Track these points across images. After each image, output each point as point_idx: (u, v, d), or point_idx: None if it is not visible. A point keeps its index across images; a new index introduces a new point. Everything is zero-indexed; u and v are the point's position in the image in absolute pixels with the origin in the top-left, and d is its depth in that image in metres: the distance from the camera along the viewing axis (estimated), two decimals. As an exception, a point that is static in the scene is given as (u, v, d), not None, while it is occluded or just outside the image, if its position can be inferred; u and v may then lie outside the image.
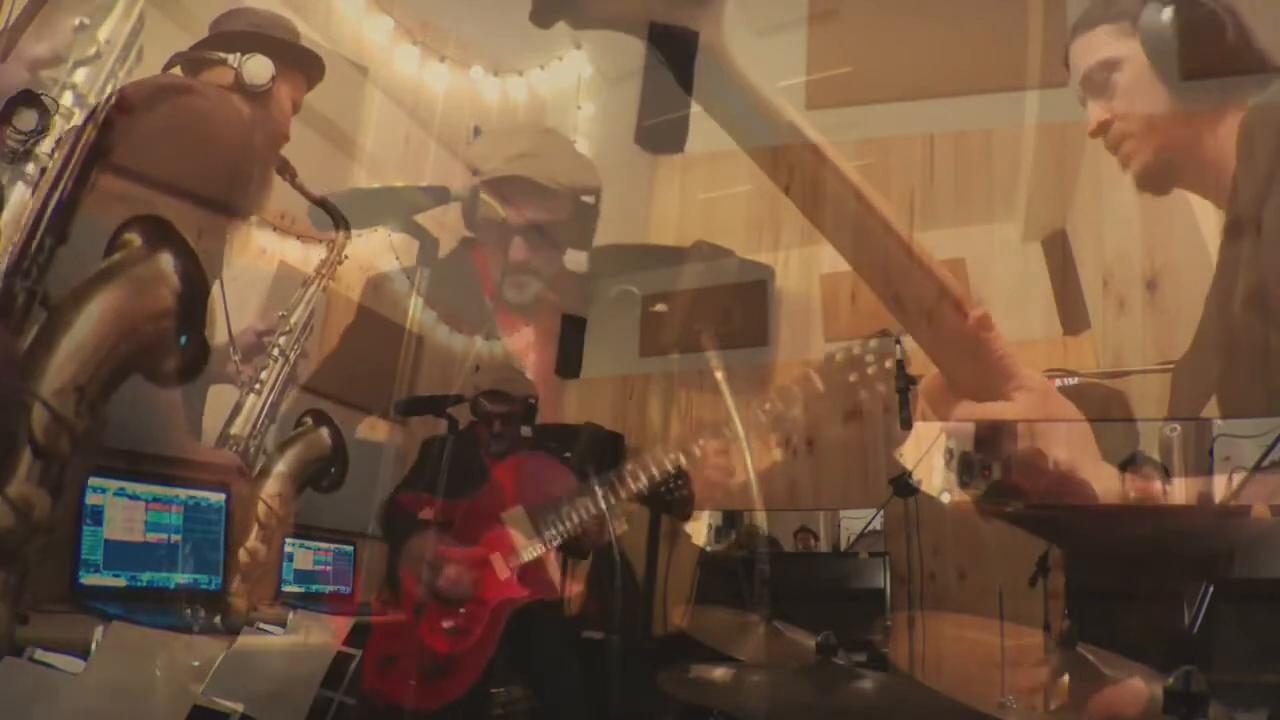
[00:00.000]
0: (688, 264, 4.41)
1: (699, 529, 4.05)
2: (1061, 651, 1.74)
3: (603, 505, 2.87)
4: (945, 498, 3.49)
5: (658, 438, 4.26)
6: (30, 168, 1.45)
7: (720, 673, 1.86)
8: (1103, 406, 2.92)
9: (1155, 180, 2.76)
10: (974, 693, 1.64)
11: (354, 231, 3.00)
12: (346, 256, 2.83)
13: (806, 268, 4.24)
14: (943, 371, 2.77)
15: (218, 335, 2.61)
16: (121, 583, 2.11)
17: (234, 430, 2.58)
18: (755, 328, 4.23)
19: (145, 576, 2.17)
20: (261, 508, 2.48)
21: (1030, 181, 3.57)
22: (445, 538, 3.01)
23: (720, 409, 4.05)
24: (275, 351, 2.66)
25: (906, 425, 2.92)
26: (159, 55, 2.46)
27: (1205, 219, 2.89)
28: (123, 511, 2.13)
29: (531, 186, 4.03)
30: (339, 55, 3.51)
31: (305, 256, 3.23)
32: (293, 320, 2.72)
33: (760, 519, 3.97)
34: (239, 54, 2.52)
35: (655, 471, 3.06)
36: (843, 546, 3.94)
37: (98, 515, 2.07)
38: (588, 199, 4.18)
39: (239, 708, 1.86)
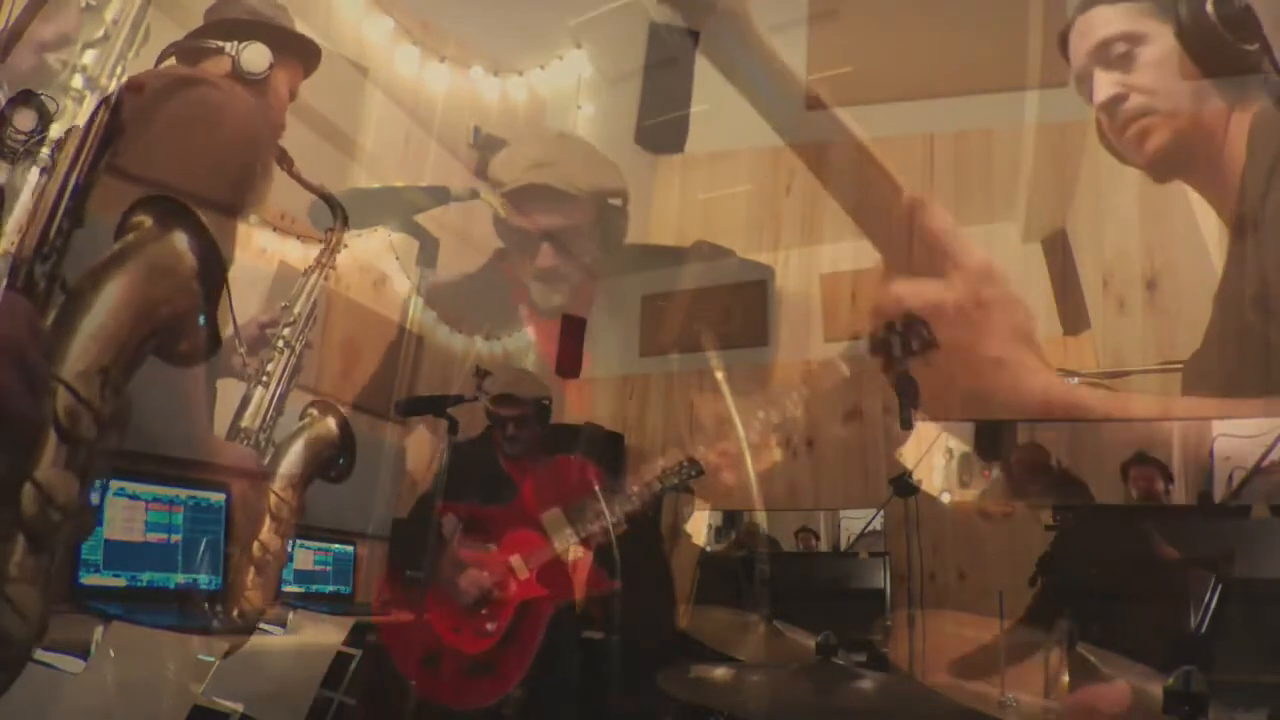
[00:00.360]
0: (688, 264, 4.42)
1: (699, 529, 4.06)
2: (1061, 651, 1.74)
3: (608, 514, 2.89)
4: (945, 498, 3.49)
5: (658, 438, 4.27)
6: (43, 153, 1.44)
7: (720, 673, 1.86)
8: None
9: (1165, 164, 2.72)
10: (973, 692, 1.64)
11: (354, 231, 2.99)
12: (346, 245, 2.81)
13: (806, 268, 4.24)
14: (884, 256, 2.74)
15: (223, 323, 2.60)
16: (121, 583, 2.11)
17: (244, 423, 2.57)
18: (755, 328, 4.23)
19: (145, 576, 2.17)
20: (273, 500, 2.47)
21: (1030, 181, 3.57)
22: (467, 542, 3.06)
23: (721, 409, 4.05)
24: (280, 343, 2.64)
25: (906, 425, 2.92)
26: (163, 38, 2.45)
27: (1205, 219, 2.89)
28: (123, 511, 2.13)
29: (551, 193, 4.04)
30: (339, 55, 3.51)
31: (305, 256, 3.23)
32: (296, 311, 2.70)
33: (760, 519, 3.97)
34: (235, 42, 2.50)
35: (670, 465, 3.10)
36: (843, 546, 3.95)
37: (98, 515, 2.07)
38: (614, 201, 4.20)
39: (239, 708, 1.86)
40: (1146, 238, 3.20)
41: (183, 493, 2.28)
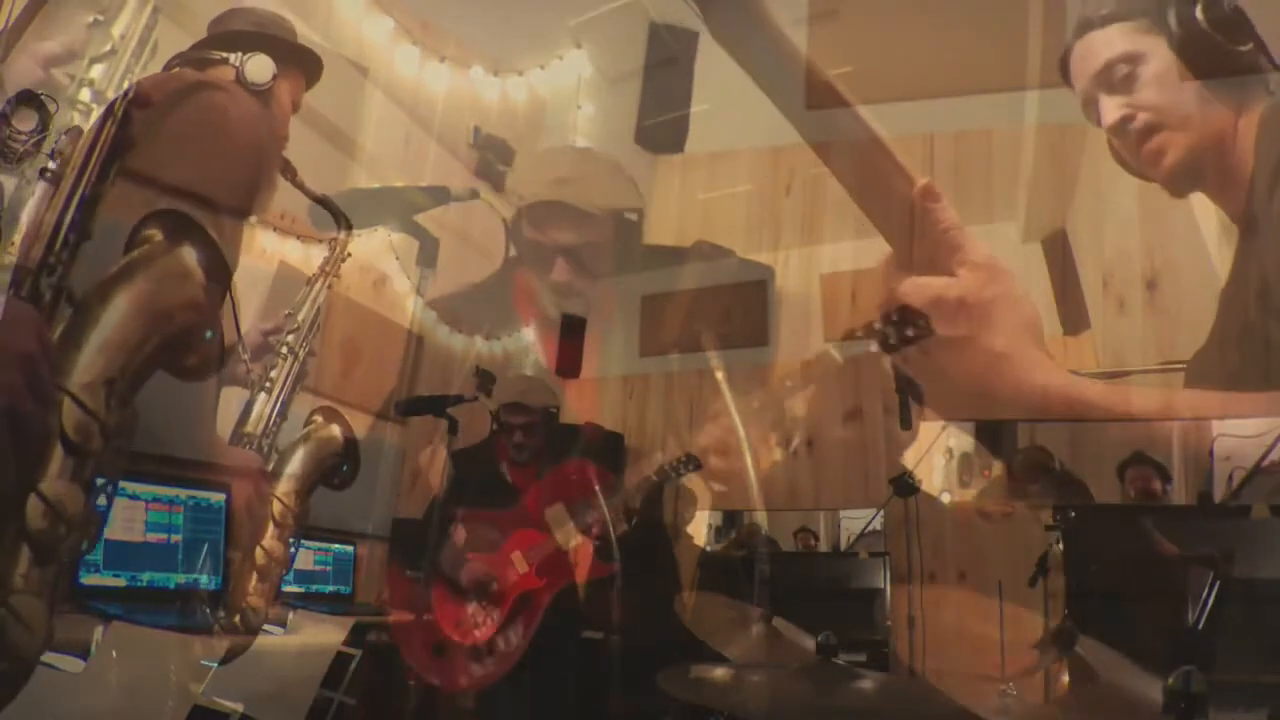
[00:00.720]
0: (688, 264, 4.41)
1: (699, 529, 4.06)
2: (1061, 651, 1.74)
3: (607, 514, 2.91)
4: (945, 498, 3.49)
5: (658, 438, 4.27)
6: (43, 154, 1.45)
7: (720, 673, 1.86)
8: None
9: (1183, 179, 2.73)
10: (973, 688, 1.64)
11: (355, 231, 3.00)
12: (350, 254, 2.83)
13: (806, 268, 4.24)
14: (893, 247, 2.74)
15: (228, 334, 2.61)
16: (121, 583, 2.10)
17: (247, 429, 2.58)
18: (755, 328, 4.23)
19: (145, 576, 2.17)
20: (276, 506, 2.47)
21: (1030, 181, 3.57)
22: (471, 542, 3.10)
23: (721, 409, 4.05)
24: (284, 350, 2.66)
25: (906, 425, 2.92)
26: (171, 50, 2.46)
27: (1205, 219, 2.89)
28: (123, 511, 2.13)
29: (571, 211, 4.05)
30: (339, 55, 3.51)
31: (305, 256, 3.24)
32: (300, 318, 2.71)
33: (760, 519, 3.97)
34: (239, 53, 2.51)
35: (671, 462, 3.16)
36: (843, 546, 3.94)
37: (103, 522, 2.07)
38: (631, 216, 4.21)
39: (239, 708, 1.86)
40: (1146, 238, 3.20)
41: (183, 493, 2.28)
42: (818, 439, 3.97)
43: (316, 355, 2.82)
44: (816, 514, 4.08)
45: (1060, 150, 3.40)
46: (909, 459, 3.41)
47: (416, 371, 3.92)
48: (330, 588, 3.15)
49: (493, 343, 4.22)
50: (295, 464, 2.58)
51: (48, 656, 1.49)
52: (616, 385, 4.44)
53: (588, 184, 4.12)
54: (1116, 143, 2.84)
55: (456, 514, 3.07)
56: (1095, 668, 1.68)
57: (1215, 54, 2.53)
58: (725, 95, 4.22)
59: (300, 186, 2.71)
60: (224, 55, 2.50)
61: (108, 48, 1.68)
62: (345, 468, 2.68)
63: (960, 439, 3.40)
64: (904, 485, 3.33)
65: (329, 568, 3.16)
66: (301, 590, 2.99)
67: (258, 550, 2.38)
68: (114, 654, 1.66)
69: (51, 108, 1.54)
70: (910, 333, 2.59)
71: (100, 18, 1.67)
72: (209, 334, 1.44)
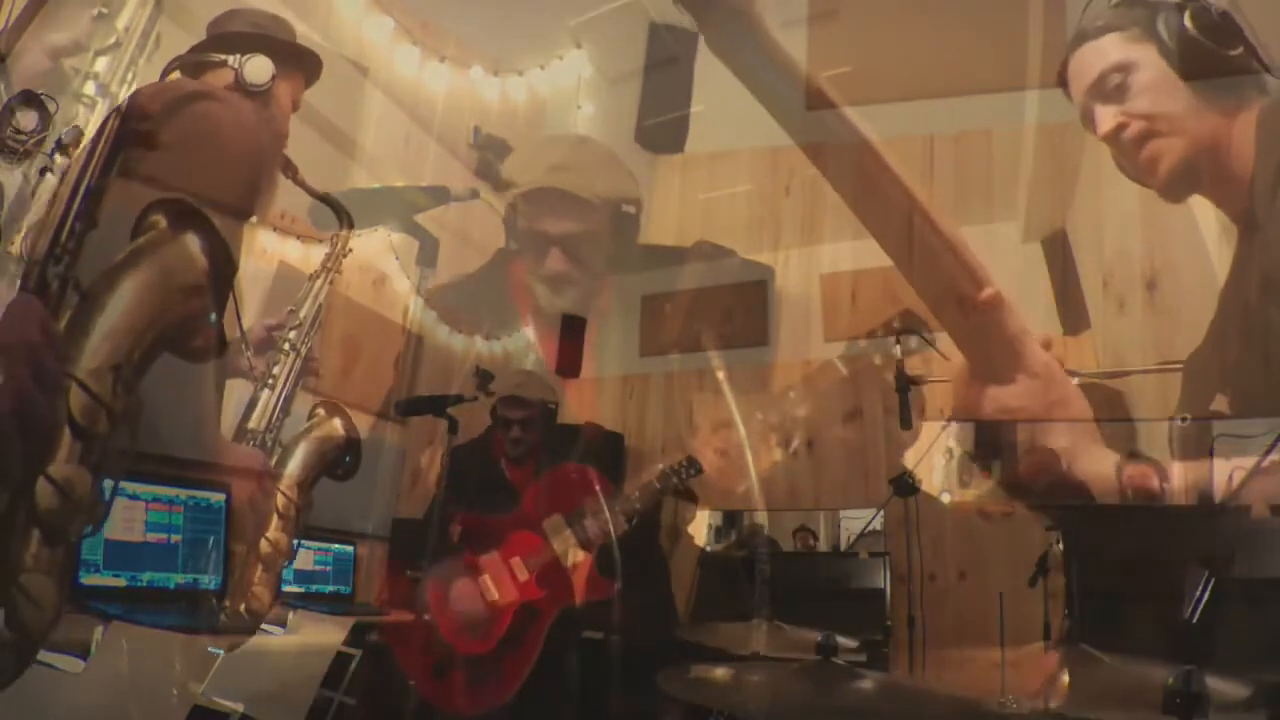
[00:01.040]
0: (688, 264, 4.41)
1: (699, 529, 4.06)
2: (1061, 651, 1.74)
3: (608, 515, 2.88)
4: (945, 498, 3.49)
5: (658, 438, 4.27)
6: (43, 153, 1.46)
7: (720, 673, 1.86)
8: (1103, 407, 2.93)
9: (1179, 184, 2.75)
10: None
11: (354, 232, 3.00)
12: (351, 250, 2.84)
13: (806, 268, 4.24)
14: (963, 353, 2.79)
15: (230, 330, 2.62)
16: (121, 583, 2.10)
17: (251, 425, 2.60)
18: (755, 328, 4.23)
19: (145, 576, 2.16)
20: (280, 499, 2.49)
21: (1030, 181, 3.57)
22: (469, 547, 3.05)
23: (721, 409, 4.05)
24: (286, 346, 2.68)
25: (906, 425, 2.93)
26: (172, 47, 2.47)
27: (1205, 219, 2.89)
28: (123, 511, 2.13)
29: (568, 198, 4.01)
30: (339, 55, 3.51)
31: (305, 256, 3.24)
32: (302, 314, 2.73)
33: (761, 519, 3.97)
34: (238, 55, 2.52)
35: (672, 466, 3.11)
36: (843, 546, 3.95)
37: (108, 508, 2.07)
38: (628, 209, 4.16)
39: (239, 708, 1.86)
40: (1146, 238, 3.20)
41: (183, 493, 2.28)
42: (818, 439, 3.97)
43: (317, 357, 2.82)
44: (815, 514, 4.08)
45: (1060, 150, 3.41)
46: (909, 459, 3.41)
47: (416, 371, 3.92)
48: (330, 588, 3.15)
49: (492, 342, 4.22)
50: (298, 457, 2.61)
51: (48, 656, 1.50)
52: (616, 385, 4.44)
53: (585, 171, 4.08)
54: (1114, 152, 2.86)
55: (454, 513, 3.02)
56: (1095, 668, 1.68)
57: (1205, 60, 2.56)
58: (725, 95, 4.21)
59: (302, 185, 2.73)
60: (222, 58, 2.51)
61: (112, 40, 1.69)
62: (348, 458, 2.71)
63: (960, 439, 3.40)
64: (904, 485, 3.33)
65: (329, 568, 3.16)
66: (301, 590, 2.99)
67: (262, 542, 2.40)
68: (114, 654, 1.66)
69: (52, 107, 1.55)
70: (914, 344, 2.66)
71: (104, 10, 1.68)
72: (213, 317, 1.46)
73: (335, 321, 3.52)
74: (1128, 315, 3.25)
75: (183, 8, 2.72)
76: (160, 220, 1.43)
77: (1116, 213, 3.25)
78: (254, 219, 3.02)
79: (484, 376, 3.20)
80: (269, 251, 3.27)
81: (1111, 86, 2.73)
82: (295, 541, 2.87)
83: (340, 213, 2.80)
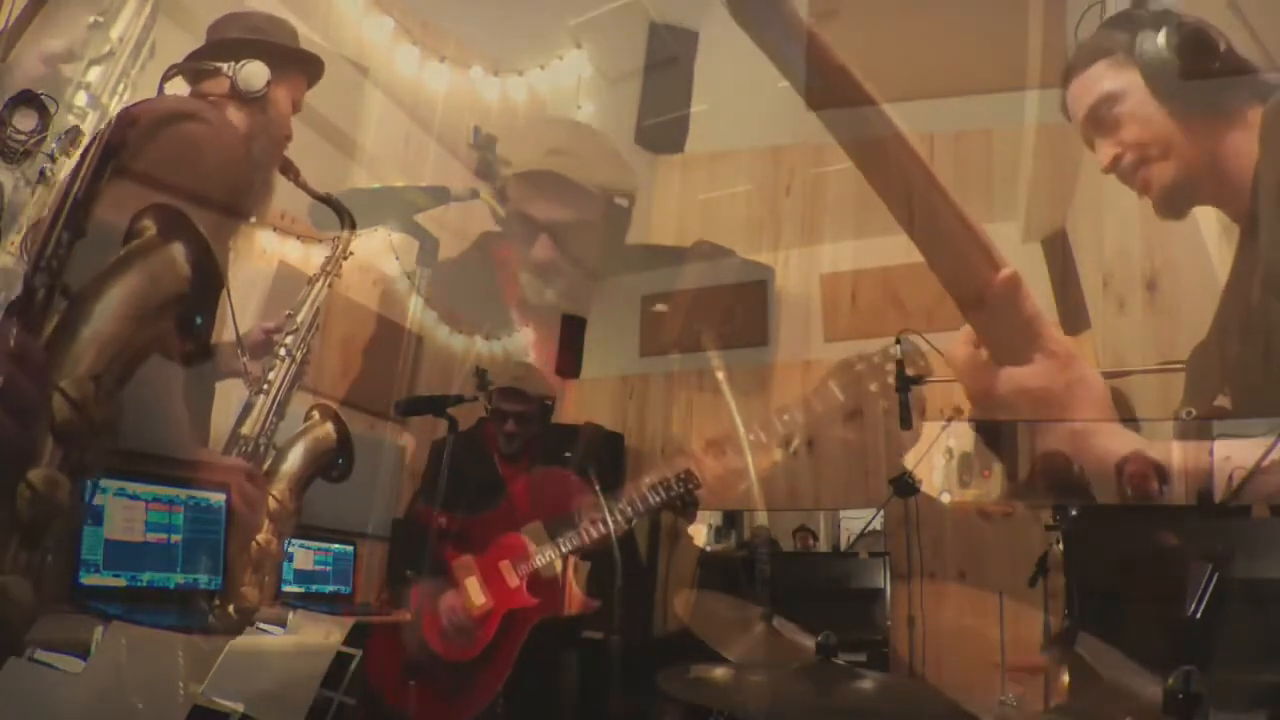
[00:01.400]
0: (688, 264, 4.41)
1: (699, 529, 4.06)
2: (1061, 651, 1.74)
3: (610, 518, 2.81)
4: (945, 498, 3.49)
5: (658, 438, 4.27)
6: (47, 169, 1.47)
7: (720, 673, 1.86)
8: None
9: (1177, 201, 2.76)
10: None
11: (357, 230, 3.00)
12: (352, 253, 2.84)
13: (806, 268, 4.24)
14: (977, 334, 2.78)
15: (226, 335, 2.63)
16: (121, 583, 2.10)
17: (245, 430, 2.60)
18: (755, 328, 4.23)
19: (145, 576, 2.16)
20: (271, 502, 2.49)
21: (1030, 181, 3.57)
22: (457, 547, 2.97)
23: (721, 409, 4.05)
24: (282, 351, 2.68)
25: (906, 425, 2.93)
26: (169, 52, 2.47)
27: (1206, 219, 2.89)
28: (123, 511, 2.13)
29: (565, 184, 3.90)
30: (339, 55, 3.51)
31: (305, 256, 3.24)
32: (299, 319, 2.73)
33: (761, 519, 3.97)
34: (233, 62, 2.53)
35: (668, 476, 2.99)
36: (843, 546, 3.95)
37: (98, 515, 2.07)
38: (621, 201, 4.07)
39: (239, 708, 1.86)
40: (1146, 238, 3.20)
41: (183, 492, 2.28)
42: (818, 439, 3.97)
43: (310, 363, 2.82)
44: (816, 514, 4.08)
45: (1060, 150, 3.40)
46: (909, 459, 3.41)
47: (416, 371, 3.92)
48: (330, 588, 3.14)
49: (492, 342, 4.21)
50: (292, 460, 2.62)
51: (48, 656, 1.50)
52: (616, 385, 4.44)
53: (584, 158, 3.98)
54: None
55: (440, 511, 2.91)
56: (1095, 668, 1.68)
57: (1187, 74, 2.57)
58: (725, 95, 4.22)
59: (304, 187, 2.73)
60: (218, 65, 2.52)
61: (106, 49, 1.69)
62: (340, 461, 2.71)
63: (960, 439, 3.40)
64: (904, 485, 3.33)
65: (329, 568, 3.16)
66: (301, 590, 2.99)
67: (253, 545, 2.40)
68: (114, 654, 1.66)
69: (52, 108, 1.55)
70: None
71: (100, 19, 1.68)
72: (198, 320, 1.47)
73: (335, 322, 3.52)
74: (1128, 315, 3.25)
75: (183, 8, 2.72)
76: (150, 226, 1.45)
77: (1116, 213, 3.25)
78: (252, 219, 3.03)
79: (484, 376, 3.17)
80: (269, 252, 3.26)
81: (1103, 119, 2.75)
82: (287, 542, 2.88)
83: (342, 214, 2.81)
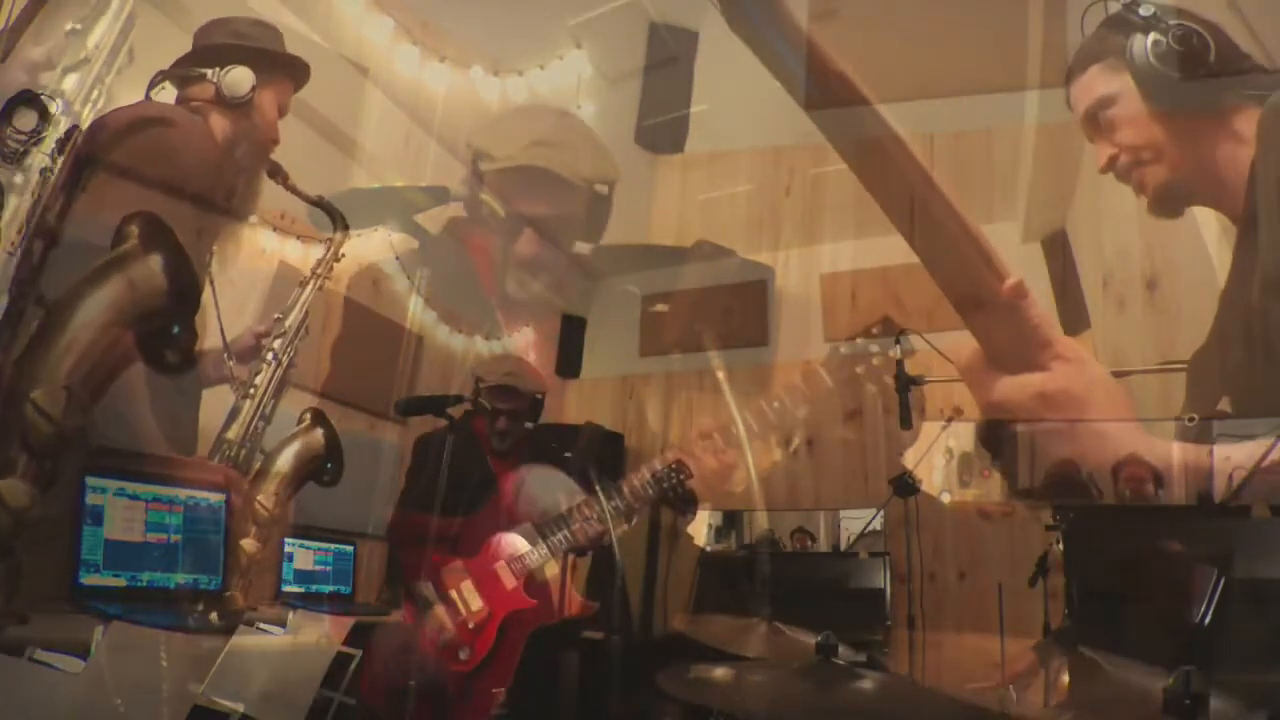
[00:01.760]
0: (688, 264, 4.41)
1: (699, 529, 4.06)
2: (1061, 651, 1.74)
3: (608, 514, 2.77)
4: (945, 498, 3.49)
5: (658, 438, 4.27)
6: (30, 174, 1.47)
7: (720, 673, 1.86)
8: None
9: (1171, 201, 2.78)
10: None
11: (354, 231, 3.00)
12: (344, 255, 2.83)
13: (806, 268, 4.24)
14: (981, 344, 2.77)
15: (212, 340, 2.63)
16: (121, 583, 2.11)
17: (230, 435, 2.60)
18: (755, 328, 4.23)
19: (145, 576, 2.17)
20: (257, 507, 2.49)
21: (1030, 181, 3.57)
22: (447, 551, 2.89)
23: (721, 409, 4.05)
24: (269, 356, 2.68)
25: (906, 425, 2.93)
26: (150, 54, 2.46)
27: (1205, 219, 2.89)
28: (123, 511, 2.13)
29: (550, 179, 3.76)
30: (339, 55, 3.51)
31: (305, 256, 3.23)
32: (288, 322, 2.73)
33: (761, 519, 3.97)
34: (218, 68, 2.54)
35: (658, 468, 2.96)
36: (843, 546, 3.95)
37: (98, 515, 2.07)
38: (601, 189, 3.93)
39: (239, 708, 1.86)
40: (1146, 238, 3.20)
41: (183, 493, 2.29)
42: (818, 439, 3.97)
43: (298, 365, 2.82)
44: (814, 514, 4.08)
45: (1060, 150, 3.40)
46: (909, 459, 3.41)
47: (416, 371, 3.92)
48: (330, 588, 3.15)
49: (492, 343, 4.21)
50: (280, 464, 2.61)
51: (48, 656, 1.50)
52: (616, 385, 4.44)
53: (570, 150, 3.81)
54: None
55: (427, 510, 2.80)
56: (1095, 668, 1.68)
57: (1177, 77, 2.58)
58: (725, 95, 4.22)
59: (293, 190, 2.73)
60: (203, 71, 2.53)
61: (81, 57, 1.69)
62: (329, 465, 2.70)
63: (960, 439, 3.40)
64: (904, 485, 3.33)
65: (329, 568, 3.16)
66: (301, 590, 2.99)
67: (240, 555, 2.41)
68: (114, 654, 1.66)
69: (52, 108, 1.55)
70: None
71: (78, 26, 1.68)
72: (176, 329, 1.47)
73: (335, 322, 3.52)
74: (1128, 315, 3.25)
75: (183, 8, 2.72)
76: (134, 230, 1.45)
77: (1116, 213, 3.24)
78: (252, 218, 3.03)
79: (477, 383, 3.15)
80: (269, 252, 3.26)
81: (1099, 122, 2.77)
82: (286, 548, 2.88)
83: (334, 217, 2.81)
